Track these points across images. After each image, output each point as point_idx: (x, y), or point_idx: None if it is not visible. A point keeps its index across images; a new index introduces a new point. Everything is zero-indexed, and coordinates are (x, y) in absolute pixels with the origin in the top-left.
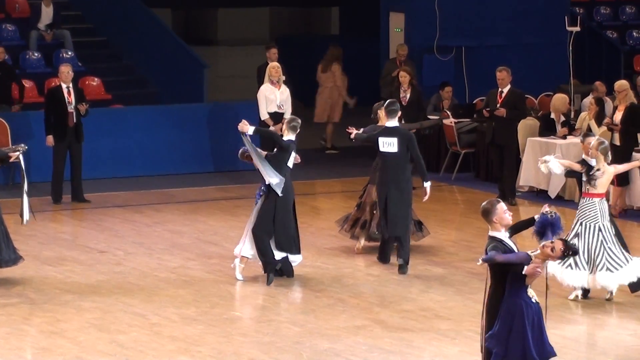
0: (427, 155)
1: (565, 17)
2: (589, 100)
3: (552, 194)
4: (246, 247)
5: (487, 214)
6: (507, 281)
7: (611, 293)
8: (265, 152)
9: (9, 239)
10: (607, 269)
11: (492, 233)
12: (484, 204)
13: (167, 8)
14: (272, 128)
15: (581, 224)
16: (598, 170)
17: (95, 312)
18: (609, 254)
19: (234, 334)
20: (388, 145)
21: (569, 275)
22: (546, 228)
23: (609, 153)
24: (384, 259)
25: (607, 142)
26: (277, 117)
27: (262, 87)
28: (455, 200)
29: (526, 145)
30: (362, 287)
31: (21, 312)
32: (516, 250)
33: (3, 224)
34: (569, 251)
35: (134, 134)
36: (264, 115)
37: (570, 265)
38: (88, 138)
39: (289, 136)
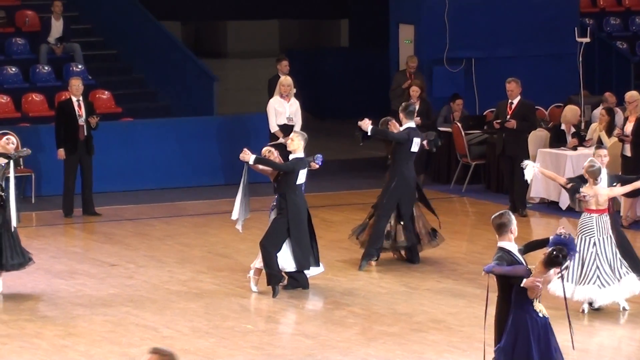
0: (438, 167)
1: (575, 28)
2: (599, 111)
3: (563, 205)
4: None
5: (504, 225)
6: (512, 294)
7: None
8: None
9: (15, 244)
10: (597, 284)
11: (502, 244)
12: (497, 217)
13: (176, 21)
14: (281, 140)
15: (578, 237)
16: (584, 195)
17: (107, 325)
18: (599, 270)
19: (245, 346)
20: (416, 145)
21: (559, 286)
22: None
23: (599, 177)
24: (417, 259)
25: (597, 165)
26: (287, 129)
27: (272, 100)
28: (466, 212)
29: (537, 157)
30: (373, 300)
31: (33, 325)
32: (525, 265)
33: (9, 228)
34: (559, 255)
35: (144, 147)
36: (274, 128)
37: (562, 276)
38: (98, 151)
39: (297, 154)
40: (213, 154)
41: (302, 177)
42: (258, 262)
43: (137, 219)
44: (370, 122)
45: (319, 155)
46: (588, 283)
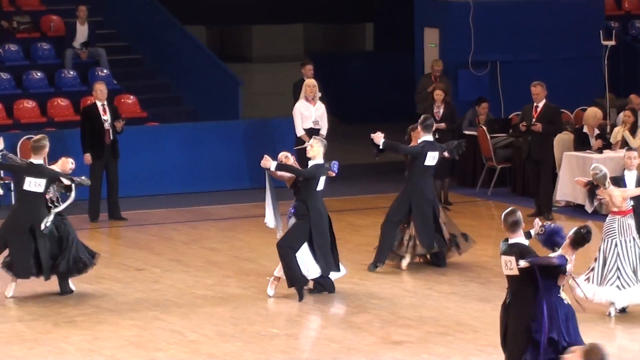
0: (464, 171)
1: (600, 31)
2: (623, 112)
3: (589, 208)
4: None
5: (518, 223)
6: (539, 283)
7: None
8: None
9: (62, 251)
10: (616, 285)
11: (516, 239)
12: (509, 214)
13: (201, 25)
14: (307, 144)
15: (603, 239)
16: (601, 198)
17: (133, 329)
18: (620, 271)
19: (272, 350)
20: (433, 159)
21: (586, 288)
22: (553, 237)
23: (607, 181)
24: (443, 263)
25: (602, 171)
26: (312, 133)
27: (297, 104)
28: (492, 216)
29: (562, 160)
30: (399, 303)
31: (60, 330)
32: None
33: (67, 236)
34: (587, 231)
35: (169, 151)
36: (300, 132)
37: (588, 278)
38: (124, 156)
39: (316, 160)
40: (238, 158)
41: (321, 183)
42: (277, 270)
43: (162, 223)
44: (383, 135)
45: (334, 162)
46: (607, 284)
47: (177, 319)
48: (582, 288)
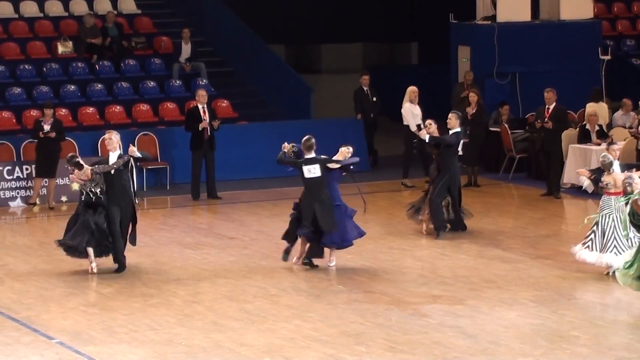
0: (489, 160)
1: (599, 48)
2: (618, 113)
3: (590, 190)
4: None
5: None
6: None
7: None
8: None
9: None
10: (614, 252)
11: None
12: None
13: (281, 44)
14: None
15: (601, 215)
16: (607, 183)
17: (227, 285)
18: (617, 240)
19: (337, 302)
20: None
21: (586, 255)
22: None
23: (612, 167)
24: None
25: (610, 159)
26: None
27: (407, 105)
28: (512, 195)
29: (569, 151)
30: (438, 265)
31: (168, 286)
32: None
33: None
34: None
35: (255, 144)
36: (414, 127)
37: (588, 246)
38: (219, 147)
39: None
40: None
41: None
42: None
43: (250, 201)
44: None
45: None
46: (607, 251)
47: (262, 277)
48: None
